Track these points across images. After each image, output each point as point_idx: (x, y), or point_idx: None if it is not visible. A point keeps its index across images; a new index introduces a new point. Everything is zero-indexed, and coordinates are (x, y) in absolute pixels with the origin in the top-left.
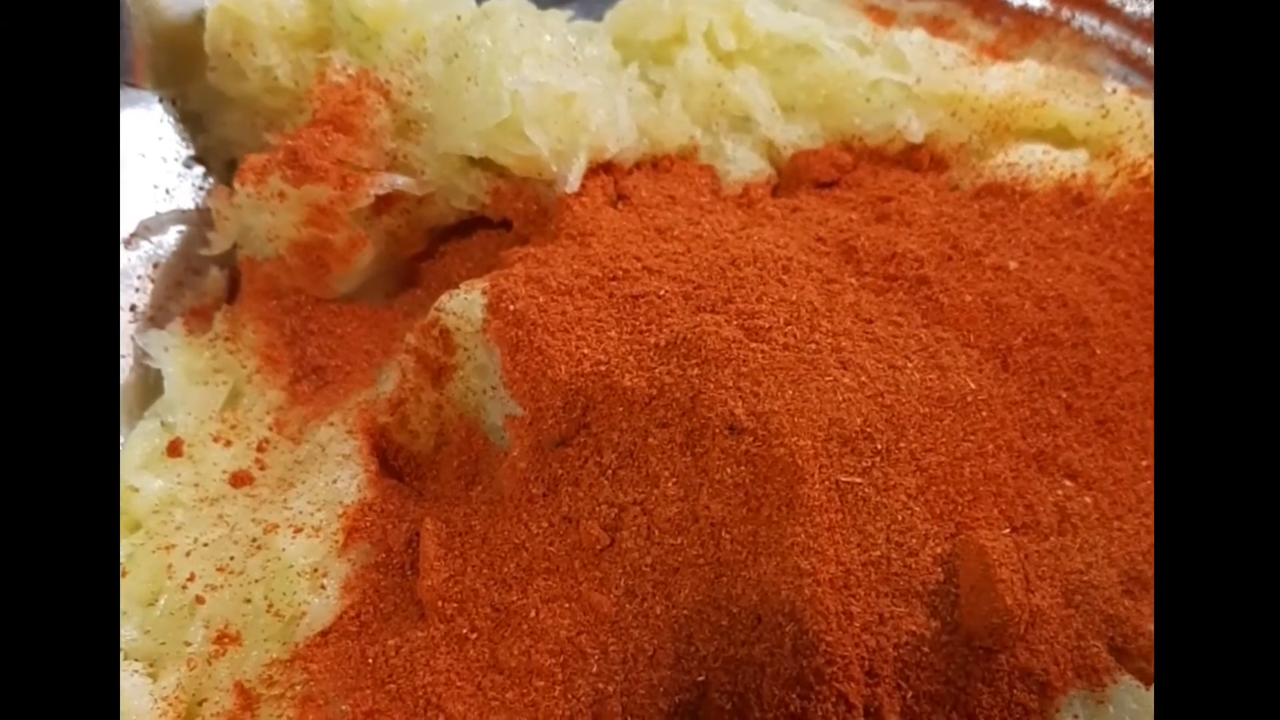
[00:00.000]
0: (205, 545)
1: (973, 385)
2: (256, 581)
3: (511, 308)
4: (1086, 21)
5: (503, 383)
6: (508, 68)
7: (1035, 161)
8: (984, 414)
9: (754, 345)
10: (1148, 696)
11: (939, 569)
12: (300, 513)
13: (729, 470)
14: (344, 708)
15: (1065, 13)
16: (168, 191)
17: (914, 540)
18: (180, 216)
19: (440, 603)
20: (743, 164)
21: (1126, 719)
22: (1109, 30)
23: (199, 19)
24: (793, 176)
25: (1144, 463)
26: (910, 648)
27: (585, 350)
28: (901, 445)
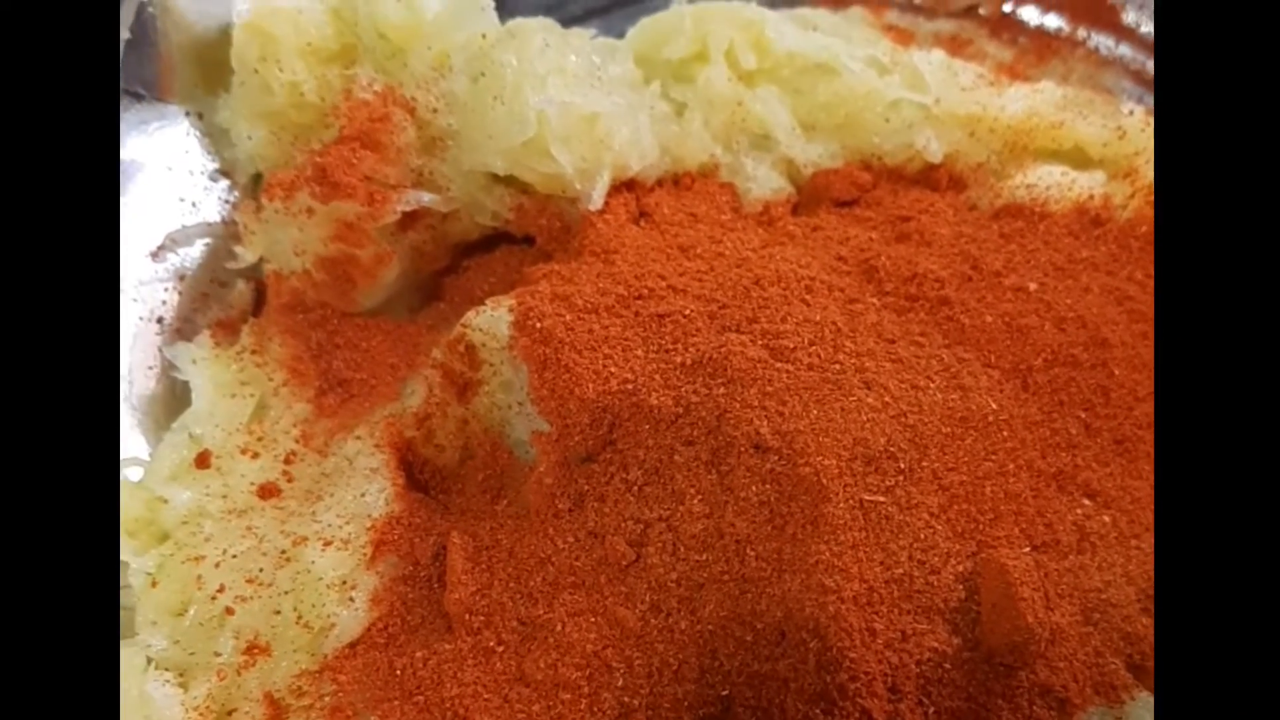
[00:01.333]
0: (234, 557)
1: (994, 405)
2: (286, 593)
3: (539, 325)
4: (1102, 42)
5: (530, 399)
6: (533, 87)
7: (1054, 182)
8: (1005, 434)
9: (779, 365)
10: None
11: (960, 587)
12: (329, 525)
13: (754, 488)
14: (372, 719)
15: (1081, 33)
16: (194, 205)
17: (936, 558)
18: (206, 230)
19: (467, 616)
20: (763, 182)
21: None
22: (1124, 50)
23: (226, 34)
24: (812, 195)
25: None
26: (932, 664)
27: (612, 369)
28: (924, 464)
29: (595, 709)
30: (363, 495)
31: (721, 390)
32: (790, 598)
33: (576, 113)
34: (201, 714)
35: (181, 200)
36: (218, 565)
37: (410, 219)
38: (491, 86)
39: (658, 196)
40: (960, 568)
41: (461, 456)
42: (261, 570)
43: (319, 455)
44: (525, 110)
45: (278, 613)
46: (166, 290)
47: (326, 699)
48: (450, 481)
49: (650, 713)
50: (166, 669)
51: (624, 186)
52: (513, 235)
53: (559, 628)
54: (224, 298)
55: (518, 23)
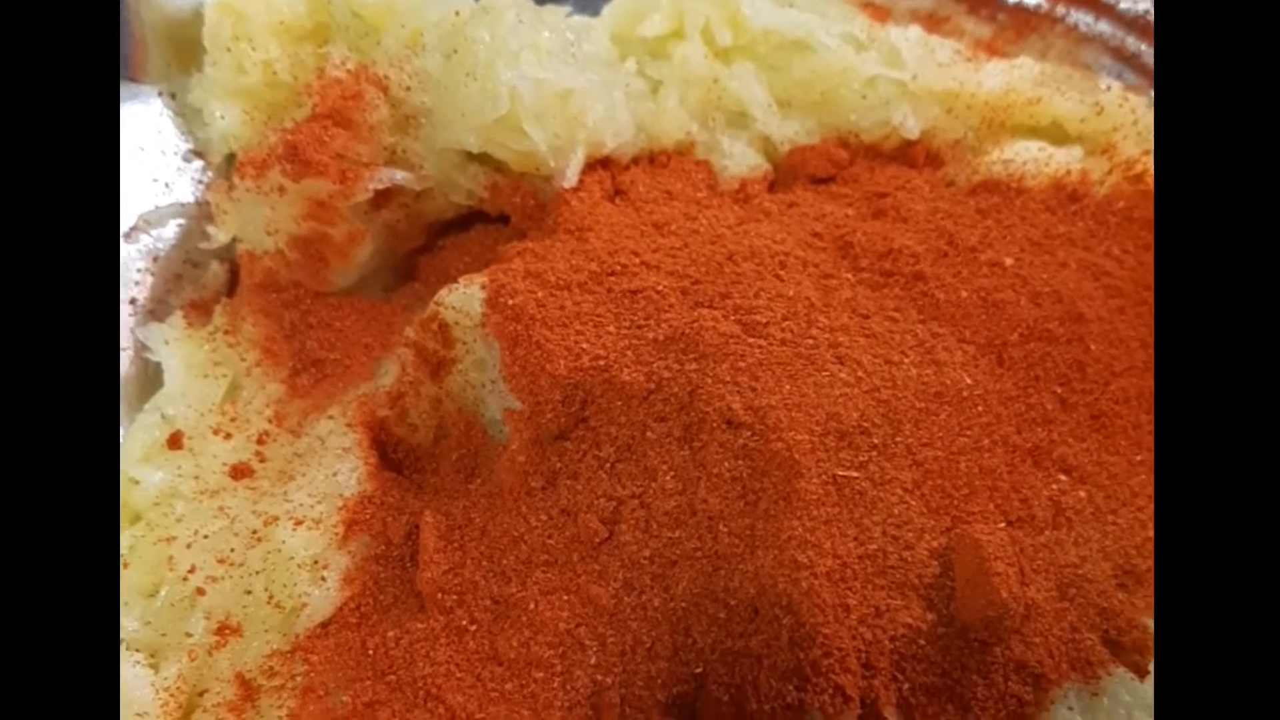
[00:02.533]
0: (206, 537)
1: (968, 380)
2: (257, 573)
3: (510, 302)
4: (1081, 18)
5: (502, 377)
6: (506, 64)
7: (1030, 158)
8: (979, 409)
9: (751, 340)
10: (1141, 689)
11: (935, 562)
12: (300, 505)
13: (726, 464)
14: (344, 698)
15: (1060, 9)
16: (167, 185)
17: (910, 534)
18: (180, 210)
19: (440, 595)
20: (739, 159)
21: (1120, 711)
22: (1104, 27)
23: (198, 13)
24: (789, 172)
25: (1138, 457)
26: (906, 640)
27: (584, 345)
28: (898, 440)
29: (568, 687)
30: (335, 475)
31: (694, 366)
32: (763, 574)
33: (550, 89)
34: (173, 695)
35: (155, 181)
36: (189, 546)
37: (384, 197)
38: (464, 63)
39: (633, 174)
40: (934, 543)
41: (436, 435)
42: (233, 550)
43: (292, 435)
44: (498, 87)
45: (249, 593)
46: (140, 271)
47: (298, 679)
48: (424, 460)
49: (624, 690)
50: (137, 650)
51: (599, 164)
52: (487, 214)
53: (532, 606)
54: (197, 278)
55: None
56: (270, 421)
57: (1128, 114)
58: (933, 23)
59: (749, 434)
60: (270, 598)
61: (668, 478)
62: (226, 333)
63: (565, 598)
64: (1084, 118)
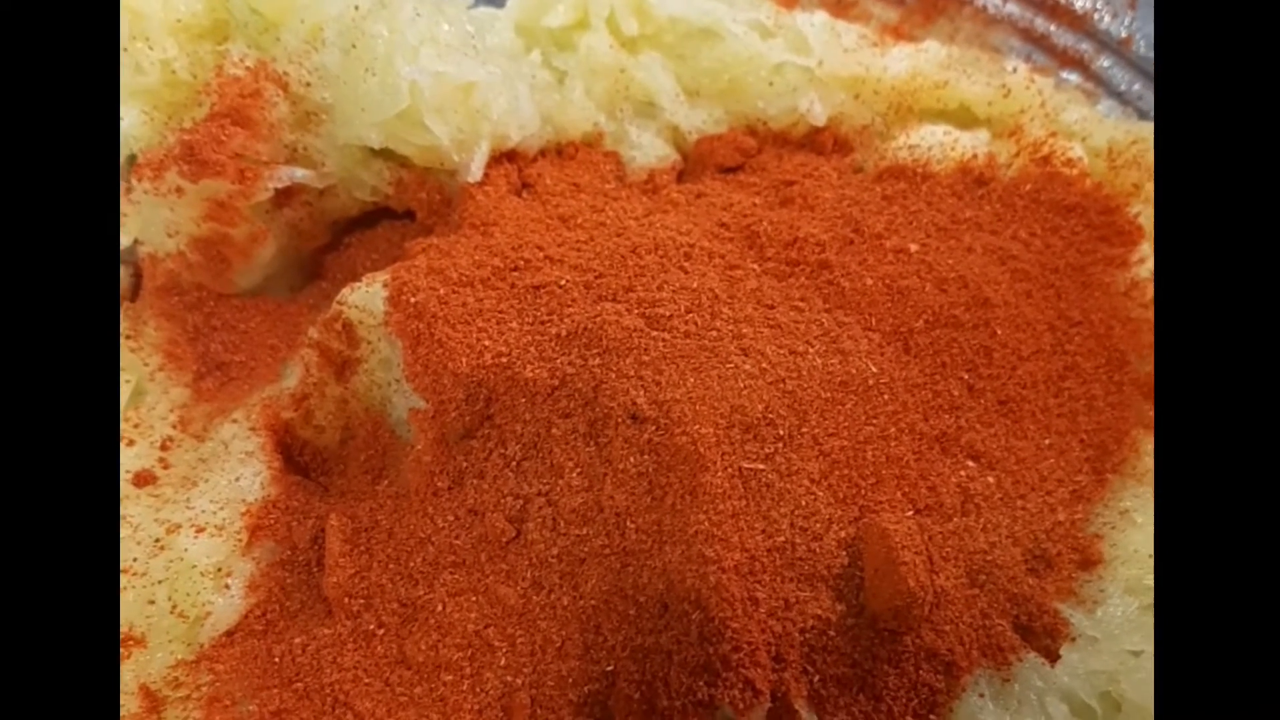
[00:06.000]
0: None
1: (874, 369)
2: (160, 583)
3: (412, 300)
4: (989, 0)
5: (405, 376)
6: (405, 58)
7: (936, 143)
8: (886, 397)
9: (655, 334)
10: (1052, 674)
11: (843, 553)
12: (203, 512)
13: (632, 459)
14: (251, 708)
15: None
16: None
17: (818, 525)
18: None
19: (346, 599)
20: (647, 150)
21: (1032, 696)
22: (1012, 8)
23: None
24: (698, 162)
25: (1046, 441)
26: (816, 632)
27: (486, 342)
28: (804, 430)
29: (478, 689)
30: (237, 480)
31: (597, 361)
32: (671, 569)
33: (450, 83)
34: None
35: None
36: None
37: (285, 196)
38: (363, 58)
39: (540, 167)
40: (843, 533)
41: (343, 437)
42: (135, 560)
43: (196, 440)
44: (397, 81)
45: (152, 603)
46: None
47: (204, 689)
48: (332, 463)
49: (534, 691)
50: None
51: (505, 157)
52: (394, 210)
53: (439, 608)
54: None
55: None
56: (174, 427)
57: (1034, 96)
58: (840, 7)
59: (653, 428)
60: (174, 607)
61: (574, 475)
62: (129, 337)
63: (473, 599)
64: (991, 100)
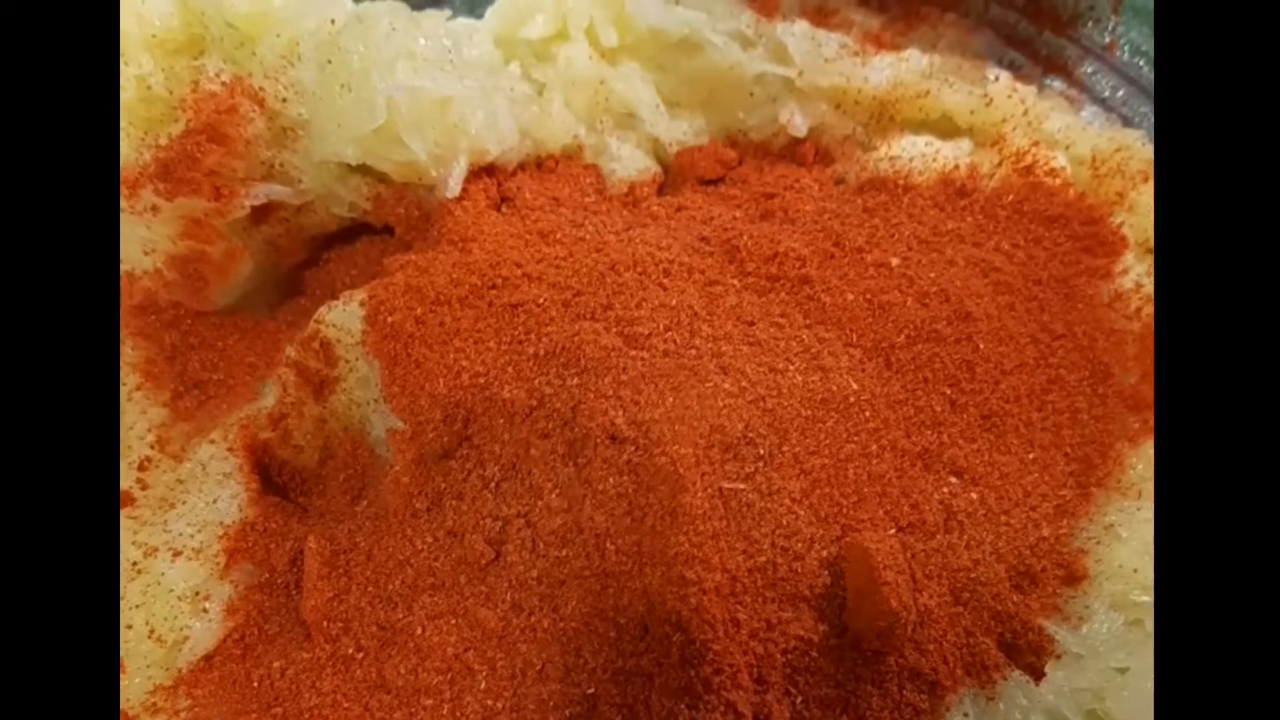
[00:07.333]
0: None
1: (855, 385)
2: (137, 607)
3: (389, 320)
4: (972, 5)
5: (382, 397)
6: (381, 73)
7: (918, 153)
8: (867, 414)
9: (633, 353)
10: (1037, 692)
11: (825, 572)
12: (180, 535)
13: (611, 480)
14: None
15: None
16: None
17: (799, 544)
18: None
19: (325, 623)
20: (628, 162)
21: (1017, 715)
22: (995, 14)
23: None
24: (678, 173)
25: (1030, 456)
26: (798, 653)
27: (464, 362)
28: (784, 449)
29: (458, 714)
30: (215, 501)
31: (575, 380)
32: (652, 591)
33: (426, 98)
34: None
35: None
36: None
37: (262, 213)
38: (339, 74)
39: (519, 180)
40: (824, 553)
41: (322, 457)
42: None
43: (175, 461)
44: (373, 97)
45: (130, 627)
46: None
47: (182, 714)
48: (310, 483)
49: (514, 715)
50: None
51: (484, 172)
52: (373, 226)
53: (419, 631)
54: None
55: (365, 7)
56: (152, 447)
57: (1016, 104)
58: (821, 16)
59: (632, 449)
60: (151, 632)
61: (553, 496)
62: None
63: (453, 621)
64: (973, 109)
